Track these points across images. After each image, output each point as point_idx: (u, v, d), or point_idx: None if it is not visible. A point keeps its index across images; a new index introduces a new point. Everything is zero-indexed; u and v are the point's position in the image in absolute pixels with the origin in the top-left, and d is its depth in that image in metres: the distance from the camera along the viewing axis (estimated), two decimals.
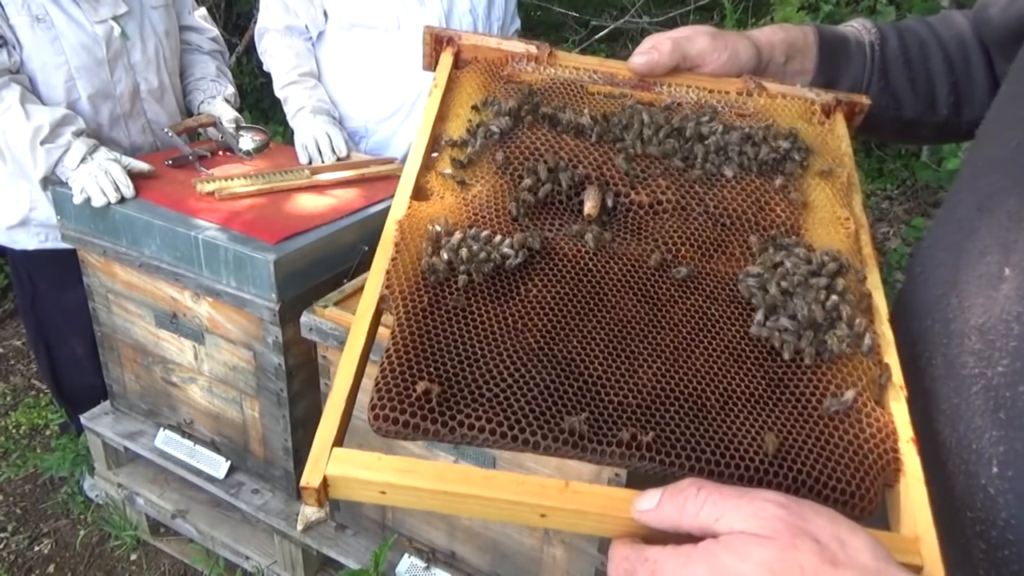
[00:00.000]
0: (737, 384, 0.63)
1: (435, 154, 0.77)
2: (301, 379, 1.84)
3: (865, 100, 0.85)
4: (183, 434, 2.14)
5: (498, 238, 0.68)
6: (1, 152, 2.01)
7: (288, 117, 2.41)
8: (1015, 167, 0.67)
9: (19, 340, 3.39)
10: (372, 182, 2.11)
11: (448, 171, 0.75)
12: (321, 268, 1.80)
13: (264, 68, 2.51)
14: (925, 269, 0.74)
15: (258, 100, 4.80)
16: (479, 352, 0.61)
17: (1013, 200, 0.65)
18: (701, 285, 0.70)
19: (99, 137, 2.06)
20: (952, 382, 0.64)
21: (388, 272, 0.65)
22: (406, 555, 1.74)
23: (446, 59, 0.85)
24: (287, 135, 2.41)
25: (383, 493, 0.55)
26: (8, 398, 3.08)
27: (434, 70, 0.85)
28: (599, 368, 0.62)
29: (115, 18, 2.09)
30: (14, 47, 1.96)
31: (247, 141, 2.26)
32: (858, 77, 0.90)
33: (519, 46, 0.86)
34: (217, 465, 2.07)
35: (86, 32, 2.03)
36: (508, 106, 0.79)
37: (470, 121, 0.79)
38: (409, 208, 0.71)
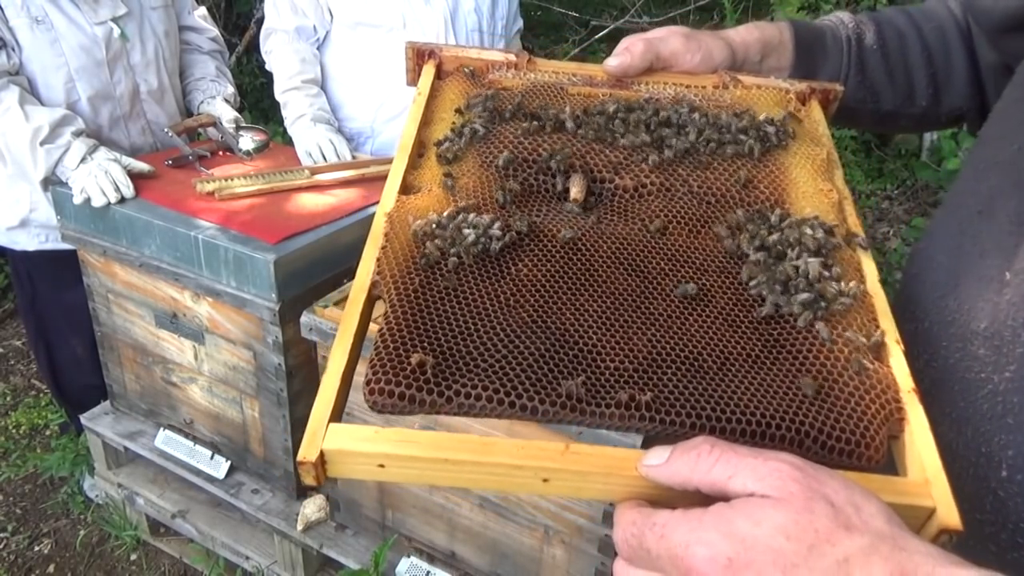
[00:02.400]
0: (734, 346, 0.63)
1: (420, 156, 0.79)
2: (301, 379, 1.84)
3: (839, 87, 0.87)
4: (183, 434, 2.14)
5: (486, 219, 0.69)
6: (1, 153, 2.01)
7: (287, 123, 2.41)
8: (1016, 171, 0.66)
9: (19, 340, 3.39)
10: (372, 182, 2.11)
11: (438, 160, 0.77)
12: (321, 268, 1.80)
13: (266, 68, 2.51)
14: (922, 271, 0.74)
15: (258, 100, 4.80)
16: (472, 327, 0.62)
17: (1014, 204, 0.65)
18: (691, 259, 0.70)
19: (99, 138, 2.06)
20: (956, 385, 0.64)
21: (379, 259, 0.66)
22: (406, 555, 1.74)
23: (428, 70, 0.88)
24: (287, 135, 2.41)
25: (381, 467, 0.55)
26: (8, 398, 3.08)
27: (415, 84, 0.88)
28: (593, 337, 0.62)
29: (115, 19, 2.09)
30: (13, 49, 1.96)
31: (247, 141, 2.26)
32: (835, 72, 0.91)
33: (498, 55, 0.89)
34: (217, 465, 2.07)
35: (85, 33, 2.03)
36: (490, 106, 0.82)
37: (454, 123, 0.81)
38: (397, 201, 0.72)
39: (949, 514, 0.53)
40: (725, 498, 0.47)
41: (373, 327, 0.65)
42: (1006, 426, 0.59)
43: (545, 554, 1.55)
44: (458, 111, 0.83)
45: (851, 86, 0.90)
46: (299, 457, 0.54)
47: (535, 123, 0.81)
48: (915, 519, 0.53)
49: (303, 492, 1.99)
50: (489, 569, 1.66)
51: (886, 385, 0.60)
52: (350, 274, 1.79)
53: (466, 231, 0.68)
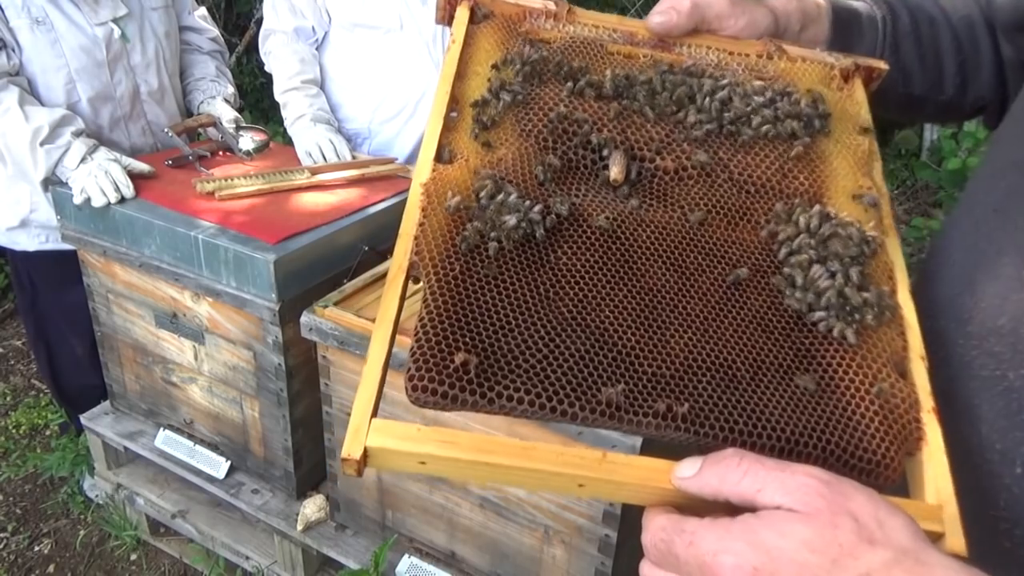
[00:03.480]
0: (766, 354, 0.63)
1: (454, 114, 0.75)
2: (301, 379, 1.84)
3: (883, 65, 0.84)
4: (183, 434, 2.14)
5: (527, 203, 0.67)
6: (1, 154, 2.01)
7: (286, 123, 2.41)
8: None
9: (19, 340, 3.39)
10: (372, 182, 2.11)
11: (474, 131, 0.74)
12: (321, 268, 1.80)
13: (266, 69, 2.51)
14: (939, 268, 0.74)
15: (258, 100, 4.80)
16: (513, 322, 0.61)
17: None
18: (727, 254, 0.69)
19: (100, 139, 2.06)
20: (972, 383, 0.64)
21: (416, 237, 0.64)
22: (406, 555, 1.74)
23: (462, 13, 0.82)
24: (287, 135, 2.42)
25: (422, 464, 0.56)
26: (8, 398, 3.08)
27: (448, 24, 0.82)
28: (632, 338, 0.62)
29: (115, 20, 2.09)
30: (13, 50, 1.96)
31: (247, 141, 2.27)
32: (870, 51, 0.89)
33: (537, 2, 0.84)
34: (217, 465, 2.07)
35: (86, 34, 2.04)
36: (529, 66, 0.77)
37: (490, 80, 0.77)
38: (434, 171, 0.69)
39: (956, 540, 0.54)
40: (753, 509, 0.48)
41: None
42: (1021, 423, 0.60)
43: (545, 554, 1.55)
44: (495, 67, 0.78)
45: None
46: (344, 454, 0.55)
47: (575, 86, 0.77)
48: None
49: (303, 492, 1.99)
50: (489, 569, 1.67)
51: (909, 405, 0.61)
52: (350, 274, 1.80)
53: (507, 216, 0.66)
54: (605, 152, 0.74)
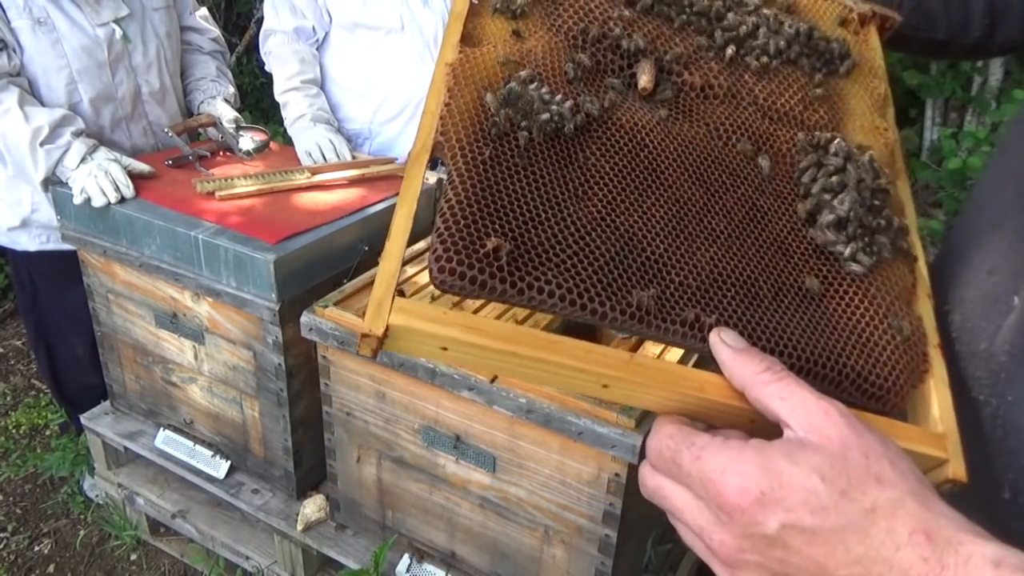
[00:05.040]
0: (787, 277, 0.63)
1: (477, 2, 0.73)
2: (301, 379, 1.84)
3: (897, 17, 0.85)
4: (183, 434, 2.14)
5: (559, 96, 0.66)
6: (1, 155, 2.01)
7: (286, 123, 2.41)
8: None
9: (19, 340, 3.39)
10: (372, 182, 2.11)
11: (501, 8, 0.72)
12: (321, 268, 1.80)
13: (266, 69, 2.52)
14: (939, 279, 0.73)
15: (258, 100, 4.81)
16: (543, 214, 0.59)
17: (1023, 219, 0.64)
18: (751, 177, 0.69)
19: (101, 140, 2.06)
20: (963, 407, 0.63)
21: (443, 116, 0.61)
22: (406, 555, 1.74)
23: None
24: (287, 135, 2.42)
25: (444, 349, 0.54)
26: (8, 398, 3.08)
27: None
28: (661, 246, 0.61)
29: (116, 20, 2.10)
30: (14, 50, 1.96)
31: (247, 141, 2.27)
32: None
33: None
34: (217, 465, 2.07)
35: (87, 35, 2.04)
36: None
37: None
38: (461, 52, 0.67)
39: (958, 466, 0.56)
40: (767, 416, 0.49)
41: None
42: (1007, 449, 0.59)
43: (545, 554, 1.55)
44: None
45: (906, 11, 0.88)
46: (365, 329, 0.52)
47: None
48: (927, 466, 0.57)
49: (303, 492, 2.00)
50: (489, 569, 1.67)
51: (917, 338, 0.63)
52: (350, 274, 1.80)
53: (539, 106, 0.64)
54: (634, 60, 0.72)
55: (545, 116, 0.63)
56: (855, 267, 0.64)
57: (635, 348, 1.43)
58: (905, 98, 4.68)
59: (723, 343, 0.53)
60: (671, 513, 0.51)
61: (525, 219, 0.58)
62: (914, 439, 0.56)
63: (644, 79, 0.70)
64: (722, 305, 0.59)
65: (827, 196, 0.67)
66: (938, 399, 0.60)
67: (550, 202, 0.60)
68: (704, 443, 0.48)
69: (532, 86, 0.65)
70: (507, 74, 0.67)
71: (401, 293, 0.61)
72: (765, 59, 0.76)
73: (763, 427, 0.50)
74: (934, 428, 0.59)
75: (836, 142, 0.70)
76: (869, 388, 0.59)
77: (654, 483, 0.51)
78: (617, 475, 1.36)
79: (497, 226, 0.56)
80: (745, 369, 0.50)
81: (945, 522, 0.43)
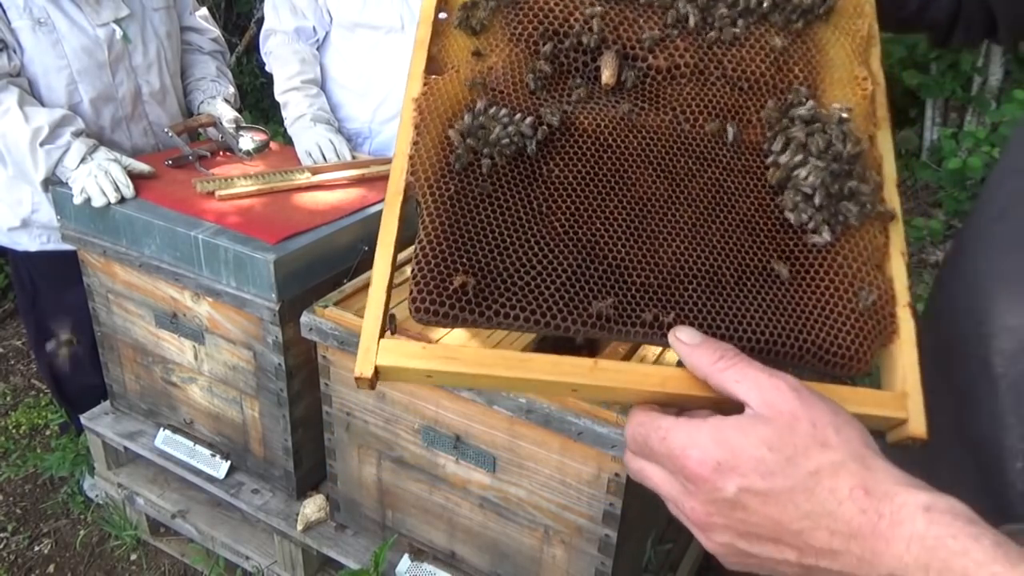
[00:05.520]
0: (751, 259, 0.66)
1: (443, 15, 0.75)
2: (301, 379, 1.84)
3: None
4: (183, 434, 2.14)
5: (517, 116, 0.68)
6: (1, 155, 2.01)
7: (286, 123, 2.41)
8: None
9: (19, 340, 3.39)
10: (372, 182, 2.11)
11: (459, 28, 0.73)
12: (321, 268, 1.80)
13: (266, 69, 2.52)
14: (957, 269, 0.75)
15: (258, 100, 4.81)
16: (508, 240, 0.64)
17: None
18: (718, 156, 0.70)
19: (101, 140, 2.06)
20: (988, 384, 0.66)
21: (411, 157, 0.66)
22: (406, 555, 1.74)
23: None
24: (287, 135, 2.42)
25: (429, 376, 0.61)
26: (8, 398, 3.08)
27: None
28: (622, 250, 0.65)
29: (117, 21, 2.09)
30: (15, 51, 1.96)
31: (247, 141, 2.27)
32: None
33: None
34: (217, 465, 2.07)
35: (88, 35, 2.04)
36: None
37: None
38: (425, 84, 0.70)
39: (917, 425, 0.60)
40: (727, 399, 0.54)
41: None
42: (1021, 417, 0.63)
43: (545, 554, 1.55)
44: None
45: None
46: (356, 373, 0.59)
47: None
48: (888, 426, 0.62)
49: (303, 492, 2.00)
50: (489, 569, 1.67)
51: (885, 301, 0.65)
52: (350, 274, 1.80)
53: (499, 132, 0.67)
54: (598, 54, 0.72)
55: (505, 140, 0.66)
56: (818, 239, 0.66)
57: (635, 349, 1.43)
58: (905, 98, 4.69)
59: (680, 341, 0.58)
60: (653, 490, 0.56)
61: (491, 247, 0.63)
62: (872, 403, 0.60)
63: (607, 74, 0.71)
64: (683, 300, 0.63)
65: (793, 166, 0.68)
66: (904, 359, 0.63)
67: (515, 225, 0.65)
68: (668, 425, 0.54)
69: (491, 111, 0.68)
70: (472, 99, 0.69)
71: (393, 318, 0.65)
72: (734, 29, 0.74)
73: (731, 408, 0.54)
74: (900, 387, 0.62)
75: (801, 108, 0.70)
76: (831, 359, 0.63)
77: (636, 466, 0.57)
78: (617, 475, 1.36)
79: (464, 259, 0.62)
80: (702, 361, 0.56)
81: (883, 477, 0.48)
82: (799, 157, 0.67)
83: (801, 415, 0.50)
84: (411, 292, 0.61)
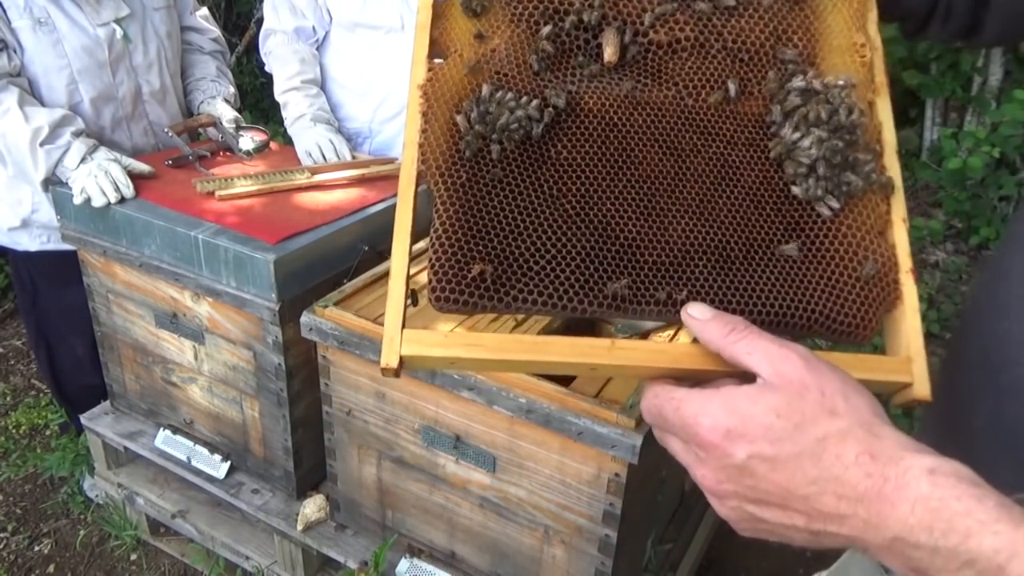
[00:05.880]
0: (758, 231, 0.67)
1: None
2: (301, 379, 1.84)
3: None
4: (183, 434, 2.14)
5: (523, 99, 0.69)
6: (1, 155, 2.01)
7: (286, 123, 2.41)
8: None
9: (19, 340, 3.39)
10: (372, 182, 2.11)
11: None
12: (321, 268, 1.80)
13: (266, 69, 2.52)
14: (1001, 268, 0.75)
15: (258, 100, 4.81)
16: (521, 224, 0.65)
17: None
18: (722, 130, 0.71)
19: (101, 140, 2.06)
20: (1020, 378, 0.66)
21: (421, 145, 0.67)
22: (406, 555, 1.74)
23: None
24: (287, 135, 2.42)
25: (452, 363, 0.62)
26: (8, 398, 3.08)
27: None
28: (633, 229, 0.66)
29: (117, 20, 2.09)
30: (15, 51, 1.96)
31: (247, 141, 2.27)
32: None
33: None
34: (217, 465, 2.07)
35: (88, 35, 2.04)
36: None
37: None
38: (429, 70, 0.70)
39: (922, 387, 0.62)
40: (740, 372, 0.55)
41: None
42: None
43: (545, 554, 1.55)
44: None
45: None
46: (382, 364, 0.61)
47: None
48: (894, 390, 0.63)
49: (303, 492, 2.00)
50: (489, 569, 1.67)
51: (888, 268, 0.66)
52: (350, 274, 1.80)
53: (506, 117, 0.67)
54: (599, 31, 0.73)
55: (514, 125, 0.67)
56: (824, 210, 0.67)
57: None
58: (905, 98, 4.68)
59: (692, 317, 0.59)
60: (676, 458, 0.58)
61: (505, 233, 0.64)
62: (878, 368, 0.62)
63: (608, 51, 0.71)
64: (694, 276, 0.65)
65: (794, 138, 0.68)
66: (907, 325, 0.64)
67: (527, 209, 0.66)
68: (681, 395, 0.55)
69: (497, 96, 0.68)
70: (476, 82, 0.69)
71: (415, 293, 0.66)
72: None
73: (744, 381, 0.56)
74: (904, 352, 0.63)
75: (800, 79, 0.70)
76: (838, 327, 0.64)
77: (658, 435, 0.59)
78: (617, 475, 1.36)
79: (480, 247, 0.63)
80: (714, 334, 0.57)
81: (889, 443, 0.49)
82: (801, 129, 0.68)
83: (810, 383, 0.51)
84: (430, 281, 0.62)
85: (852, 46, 0.73)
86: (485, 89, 0.69)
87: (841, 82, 0.69)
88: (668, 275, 0.64)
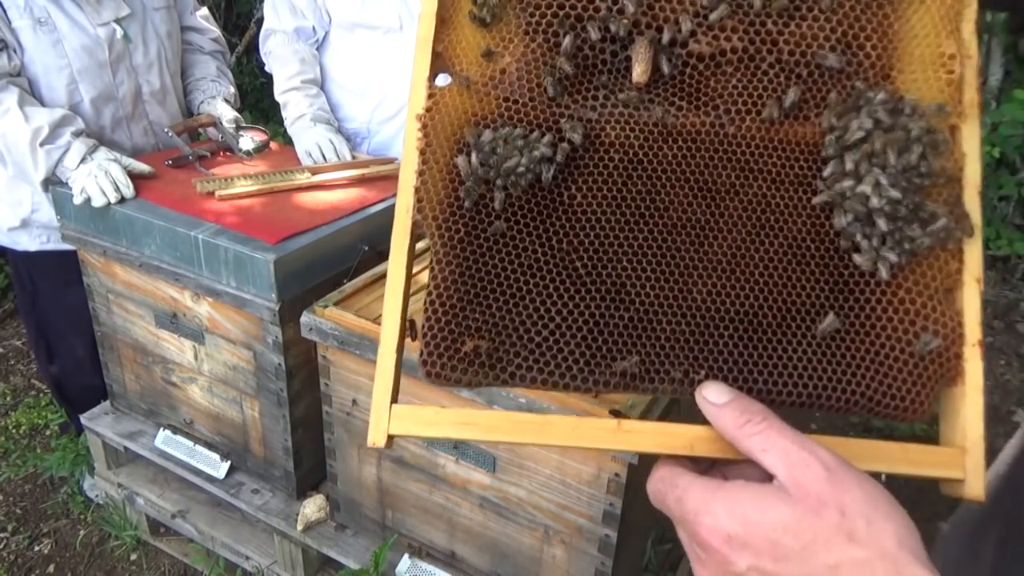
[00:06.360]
0: (798, 293, 0.58)
1: (448, 6, 0.65)
2: (301, 379, 1.84)
3: None
4: (183, 434, 2.14)
5: (534, 135, 0.60)
6: (1, 155, 2.01)
7: (286, 123, 2.41)
8: None
9: (19, 340, 3.39)
10: (372, 182, 2.11)
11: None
12: (321, 268, 1.80)
13: (266, 69, 2.52)
14: None
15: (258, 100, 4.81)
16: (524, 288, 0.59)
17: None
18: (767, 165, 0.60)
19: (101, 140, 2.06)
20: None
21: (417, 189, 0.59)
22: (406, 555, 1.74)
23: None
24: (287, 135, 2.42)
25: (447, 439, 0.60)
26: (8, 398, 3.08)
27: None
28: (651, 292, 0.59)
29: (117, 20, 2.09)
30: (15, 51, 1.96)
31: (247, 141, 2.27)
32: None
33: None
34: (217, 465, 2.07)
35: (88, 35, 2.04)
36: None
37: None
38: (430, 97, 0.61)
39: (975, 486, 0.54)
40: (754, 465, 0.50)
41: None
42: None
43: (545, 554, 1.55)
44: None
45: None
46: (369, 443, 0.57)
47: None
48: (944, 484, 0.55)
49: (303, 492, 1.99)
50: (489, 569, 1.67)
51: (951, 341, 0.56)
52: (350, 274, 1.80)
53: (514, 160, 0.59)
54: (629, 42, 0.62)
55: (521, 169, 0.59)
56: (881, 272, 0.57)
57: None
58: None
59: (706, 400, 0.53)
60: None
61: (505, 298, 0.58)
62: (924, 462, 0.54)
63: (638, 70, 0.61)
64: (717, 349, 0.57)
65: (848, 181, 0.57)
66: (967, 409, 0.55)
67: (531, 268, 0.59)
68: (685, 485, 0.51)
69: (503, 132, 0.61)
70: (483, 115, 0.62)
71: (413, 324, 0.61)
72: None
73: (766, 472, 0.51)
74: (960, 440, 0.55)
75: (875, 100, 0.57)
76: (882, 409, 0.56)
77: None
78: (617, 475, 1.36)
79: (477, 315, 0.58)
80: (728, 423, 0.51)
81: None
82: (862, 168, 0.57)
83: (829, 500, 0.45)
84: (421, 353, 0.57)
85: (938, 57, 0.59)
86: (487, 134, 0.61)
87: (922, 105, 0.57)
88: (687, 349, 0.57)
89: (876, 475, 0.49)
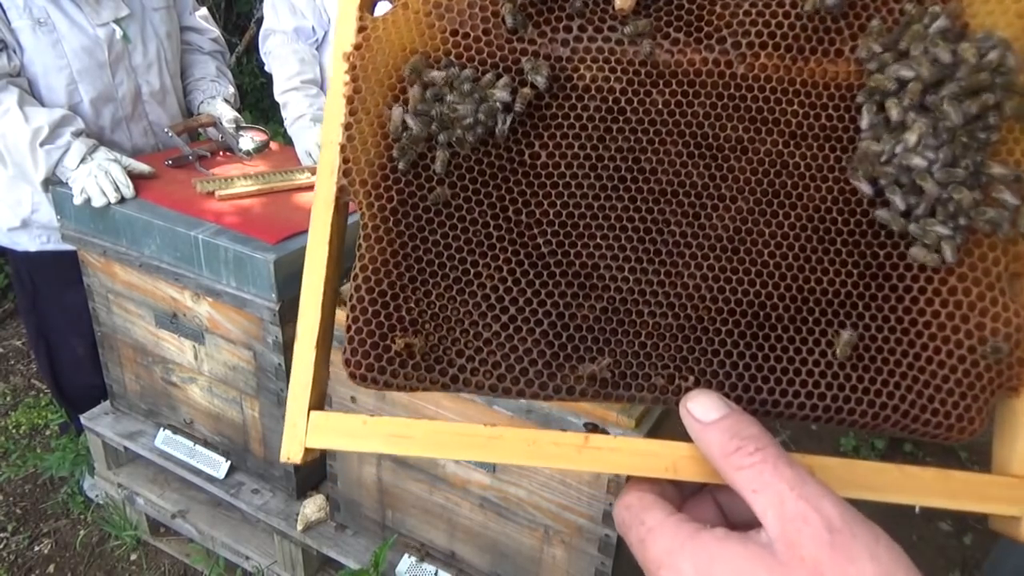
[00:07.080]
0: (817, 276, 0.46)
1: None
2: None
3: None
4: (183, 434, 2.14)
5: (487, 76, 0.48)
6: (1, 155, 2.01)
7: (286, 123, 2.41)
8: None
9: (19, 340, 3.39)
10: None
11: None
12: None
13: (265, 69, 2.52)
14: None
15: (258, 100, 4.81)
16: (470, 271, 0.47)
17: None
18: (785, 114, 0.48)
19: (101, 140, 2.07)
20: None
21: (343, 147, 0.48)
22: (406, 555, 1.75)
23: None
24: (287, 135, 2.42)
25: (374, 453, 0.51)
26: (8, 398, 3.08)
27: None
28: (629, 278, 0.47)
29: (117, 21, 2.09)
30: (14, 51, 1.97)
31: (247, 141, 2.27)
32: None
33: None
34: (217, 465, 2.07)
35: (88, 35, 2.04)
36: None
37: None
38: (361, 30, 0.49)
39: None
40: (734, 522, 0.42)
41: None
42: None
43: (545, 554, 1.55)
44: None
45: None
46: (282, 458, 0.48)
47: None
48: (996, 521, 0.45)
49: (303, 492, 2.00)
50: (489, 569, 1.67)
51: (1015, 342, 0.45)
52: (350, 274, 1.80)
53: (461, 108, 0.46)
54: None
55: (469, 120, 0.46)
56: (926, 257, 0.45)
57: None
58: None
59: (690, 415, 0.42)
60: None
61: (447, 285, 0.47)
62: (971, 494, 0.43)
63: None
64: (710, 349, 0.46)
65: (893, 141, 0.44)
66: None
67: (480, 247, 0.47)
68: (653, 523, 0.41)
69: (450, 73, 0.48)
70: (427, 52, 0.49)
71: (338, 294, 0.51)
72: None
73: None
74: (1017, 467, 0.45)
75: (939, 20, 0.43)
76: (920, 427, 0.45)
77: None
78: (617, 475, 1.36)
79: (411, 306, 0.46)
80: (714, 448, 0.41)
81: None
82: (908, 118, 0.43)
83: (827, 569, 0.35)
84: (344, 352, 0.48)
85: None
86: (432, 74, 0.48)
87: (992, 40, 0.43)
88: (673, 348, 0.46)
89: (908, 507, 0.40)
